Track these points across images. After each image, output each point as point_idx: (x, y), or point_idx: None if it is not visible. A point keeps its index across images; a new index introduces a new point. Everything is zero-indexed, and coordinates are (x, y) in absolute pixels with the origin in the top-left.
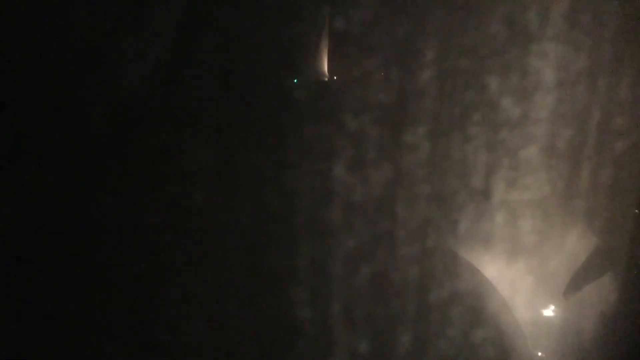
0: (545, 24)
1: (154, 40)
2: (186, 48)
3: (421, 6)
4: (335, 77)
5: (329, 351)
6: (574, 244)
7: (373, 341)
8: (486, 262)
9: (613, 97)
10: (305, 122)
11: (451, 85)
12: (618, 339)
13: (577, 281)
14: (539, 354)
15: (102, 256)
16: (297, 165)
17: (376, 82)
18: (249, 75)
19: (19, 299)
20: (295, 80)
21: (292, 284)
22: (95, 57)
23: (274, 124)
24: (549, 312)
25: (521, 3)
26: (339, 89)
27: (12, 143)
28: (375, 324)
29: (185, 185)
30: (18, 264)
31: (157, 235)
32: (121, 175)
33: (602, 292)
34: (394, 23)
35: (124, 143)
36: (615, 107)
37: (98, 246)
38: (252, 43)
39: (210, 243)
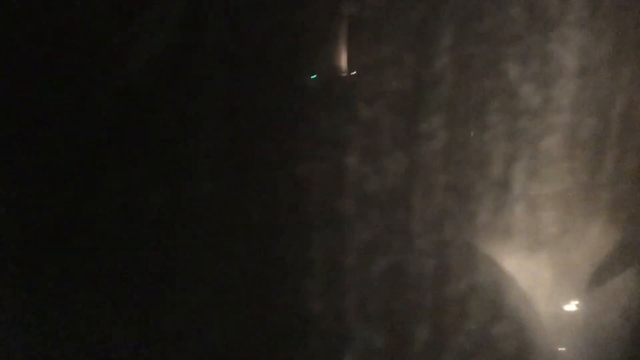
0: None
1: (160, 25)
2: (194, 33)
3: None
4: (348, 65)
5: (343, 346)
6: (597, 237)
7: (388, 335)
8: (506, 255)
9: (637, 85)
10: (317, 110)
11: (468, 72)
12: None
13: (599, 275)
14: (560, 349)
15: (107, 248)
16: (310, 155)
17: (391, 69)
18: (260, 61)
19: (21, 295)
20: (314, 76)
21: (305, 277)
22: (98, 43)
23: (285, 113)
24: (570, 306)
25: None
26: (352, 76)
27: (13, 134)
28: (391, 318)
29: (193, 175)
30: (19, 258)
31: (164, 226)
32: (127, 165)
33: (625, 286)
34: (409, 8)
35: (129, 132)
36: (639, 95)
37: (104, 238)
38: (263, 29)
39: (220, 235)
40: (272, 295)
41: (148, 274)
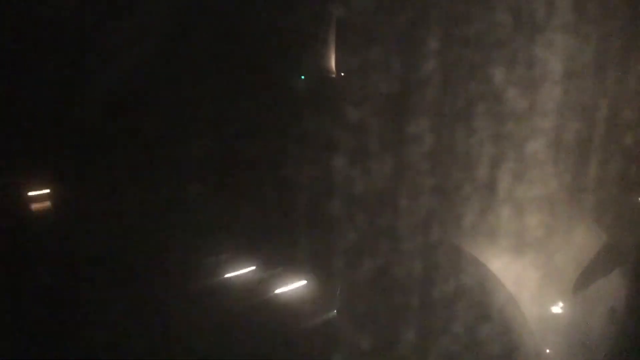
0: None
1: (151, 29)
2: (184, 37)
3: None
4: (336, 68)
5: (330, 347)
6: (582, 239)
7: (376, 337)
8: (492, 257)
9: (621, 90)
10: (305, 112)
11: (455, 76)
12: (626, 336)
13: (585, 277)
14: (547, 350)
15: (96, 252)
16: (297, 157)
17: (378, 72)
18: (248, 64)
19: (15, 298)
20: (302, 77)
21: (293, 278)
22: (90, 48)
23: (272, 115)
24: (556, 308)
25: None
26: (340, 79)
27: (6, 139)
28: (378, 319)
29: (182, 177)
30: (13, 262)
31: (151, 227)
32: (114, 167)
33: (610, 288)
34: (397, 12)
35: (117, 134)
36: (623, 99)
37: (91, 239)
38: (251, 31)
39: (208, 236)
40: (259, 297)
41: (137, 277)
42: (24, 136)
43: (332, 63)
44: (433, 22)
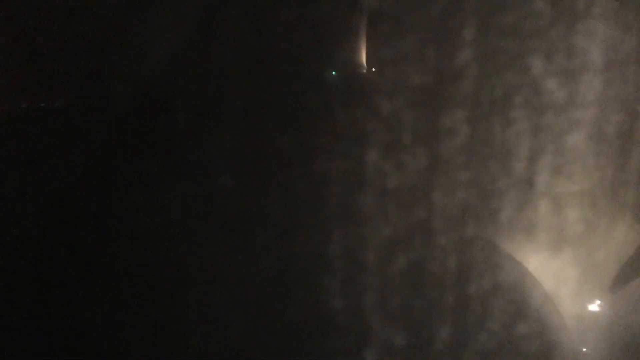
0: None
1: (179, 18)
2: (213, 27)
3: None
4: (368, 59)
5: (362, 343)
6: (623, 235)
7: (409, 334)
8: (529, 253)
9: None
10: (336, 105)
11: (491, 66)
12: None
13: (625, 274)
14: (584, 349)
15: (125, 244)
16: (329, 150)
17: (411, 63)
18: (278, 56)
19: (33, 292)
20: (333, 73)
21: (324, 273)
22: (117, 35)
23: (303, 108)
24: (595, 306)
25: None
26: (372, 71)
27: (30, 125)
28: (411, 315)
29: (211, 169)
30: (34, 254)
31: (182, 222)
32: (144, 161)
33: None
34: (430, 0)
35: (146, 127)
36: None
37: (121, 233)
38: (281, 23)
39: (238, 230)
40: (291, 292)
41: (166, 270)
42: (47, 129)
43: (364, 54)
44: (468, 10)
